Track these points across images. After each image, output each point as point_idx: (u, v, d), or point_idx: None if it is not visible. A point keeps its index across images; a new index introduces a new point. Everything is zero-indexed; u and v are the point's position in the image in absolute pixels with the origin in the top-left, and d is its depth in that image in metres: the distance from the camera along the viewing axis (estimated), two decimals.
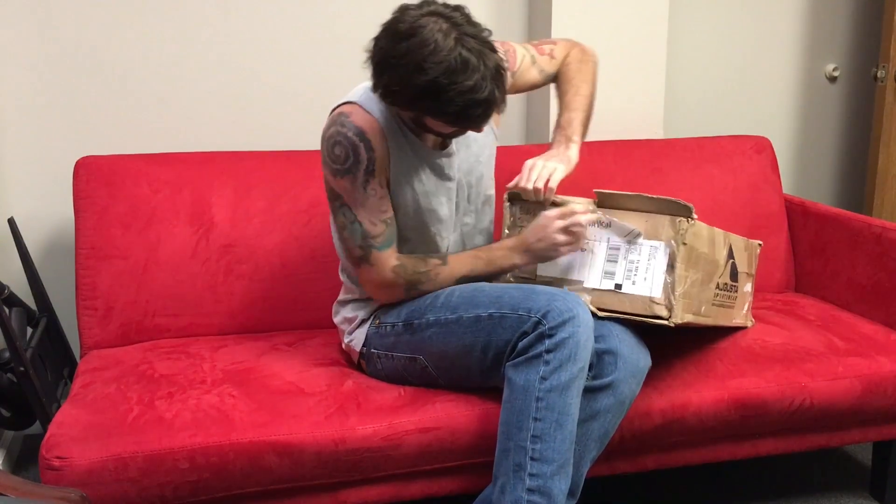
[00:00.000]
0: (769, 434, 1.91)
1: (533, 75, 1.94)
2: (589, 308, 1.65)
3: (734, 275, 1.88)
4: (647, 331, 1.73)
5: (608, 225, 1.74)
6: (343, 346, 1.91)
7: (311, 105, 2.42)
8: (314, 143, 2.39)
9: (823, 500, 2.14)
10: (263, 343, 1.99)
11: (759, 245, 2.02)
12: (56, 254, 2.31)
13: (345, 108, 1.70)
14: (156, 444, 1.56)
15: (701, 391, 1.80)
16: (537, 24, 2.48)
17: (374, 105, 1.69)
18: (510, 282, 1.80)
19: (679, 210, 1.68)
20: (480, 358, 1.67)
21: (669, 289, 1.66)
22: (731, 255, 1.85)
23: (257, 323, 2.10)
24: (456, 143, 1.81)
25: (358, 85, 1.76)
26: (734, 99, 2.84)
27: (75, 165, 2.07)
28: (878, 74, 2.75)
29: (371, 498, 1.70)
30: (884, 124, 2.73)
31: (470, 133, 1.76)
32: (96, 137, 2.29)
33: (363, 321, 1.85)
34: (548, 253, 1.74)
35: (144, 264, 2.03)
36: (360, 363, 1.87)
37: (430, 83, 1.52)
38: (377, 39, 1.60)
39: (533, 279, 1.79)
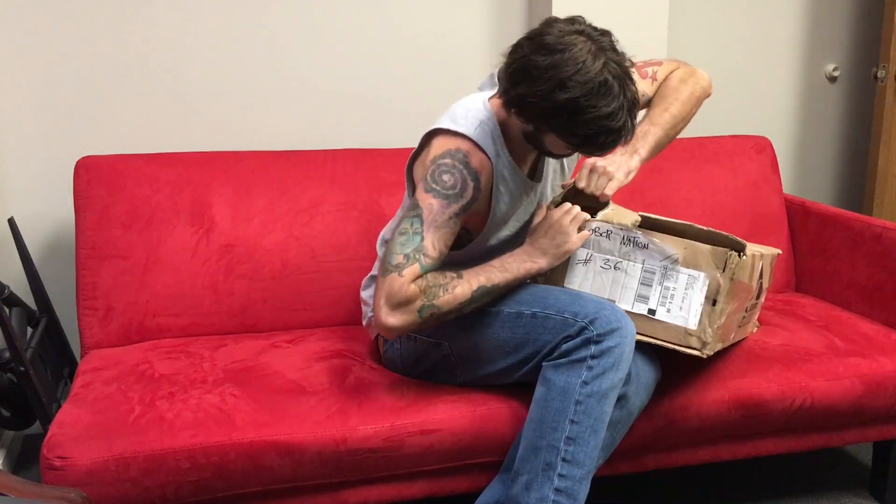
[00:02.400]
0: (769, 434, 1.91)
1: None
2: None
3: (759, 293, 1.86)
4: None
5: (645, 246, 1.67)
6: (363, 322, 1.91)
7: (311, 105, 2.42)
8: (314, 143, 2.41)
9: (823, 500, 2.14)
10: (263, 342, 1.99)
11: (779, 253, 1.99)
12: (56, 254, 2.31)
13: (462, 145, 1.62)
14: (157, 443, 1.56)
15: (702, 392, 1.80)
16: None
17: (488, 141, 1.64)
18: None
19: (730, 244, 1.62)
20: (510, 354, 1.66)
21: (707, 322, 1.62)
22: (760, 275, 1.81)
23: (257, 323, 2.10)
24: (547, 169, 1.79)
25: (453, 104, 1.69)
26: (734, 99, 2.85)
27: (75, 165, 2.07)
28: (878, 74, 2.75)
29: (372, 498, 1.70)
30: (884, 124, 2.74)
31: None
32: (96, 137, 2.29)
33: None
34: (559, 246, 1.67)
35: (144, 264, 2.03)
36: (377, 340, 1.88)
37: (570, 102, 1.48)
38: (519, 47, 1.55)
39: None
